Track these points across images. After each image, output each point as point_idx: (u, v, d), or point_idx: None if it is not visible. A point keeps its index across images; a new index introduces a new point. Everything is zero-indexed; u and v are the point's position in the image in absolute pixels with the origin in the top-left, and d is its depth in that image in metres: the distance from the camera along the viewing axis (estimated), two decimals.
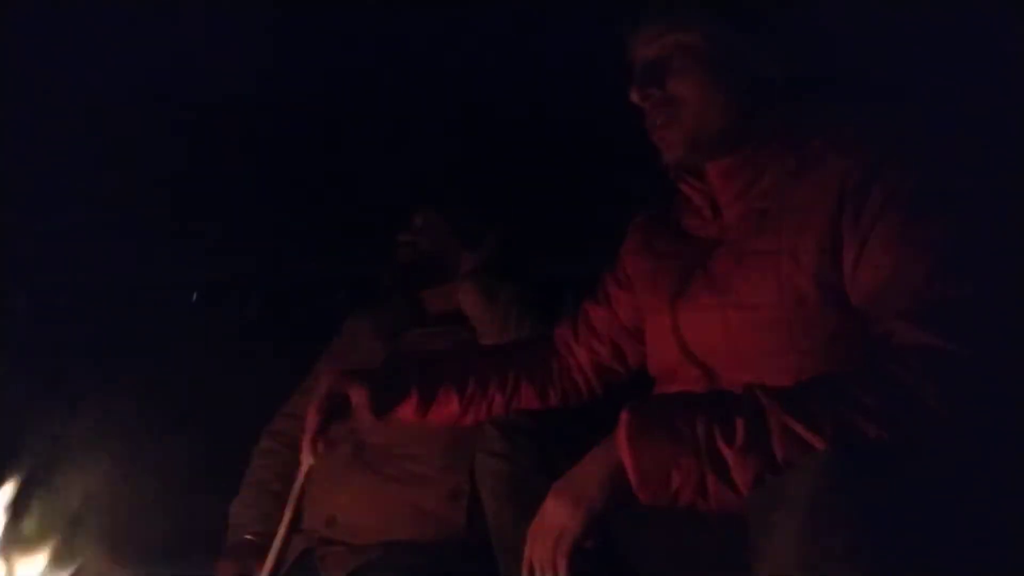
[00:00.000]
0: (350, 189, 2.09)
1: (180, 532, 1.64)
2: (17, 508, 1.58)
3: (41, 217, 1.84)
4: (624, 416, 0.86)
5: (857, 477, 0.72)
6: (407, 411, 1.19)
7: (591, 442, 0.91)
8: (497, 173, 1.86)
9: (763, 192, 1.03)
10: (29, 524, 1.55)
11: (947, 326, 0.82)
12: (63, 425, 1.71)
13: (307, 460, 1.12)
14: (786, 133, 1.03)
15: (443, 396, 1.20)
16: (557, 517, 0.90)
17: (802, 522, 0.71)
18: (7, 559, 1.44)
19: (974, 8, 1.29)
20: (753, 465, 0.79)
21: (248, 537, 1.49)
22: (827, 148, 0.99)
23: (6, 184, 1.77)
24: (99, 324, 1.86)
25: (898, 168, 0.93)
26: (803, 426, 0.78)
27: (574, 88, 1.88)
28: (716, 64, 1.03)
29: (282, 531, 1.12)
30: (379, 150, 2.08)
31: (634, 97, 1.05)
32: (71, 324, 1.86)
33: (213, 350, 1.96)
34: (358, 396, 1.13)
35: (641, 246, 1.23)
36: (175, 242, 1.96)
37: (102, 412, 1.77)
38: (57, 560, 1.50)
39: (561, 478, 0.93)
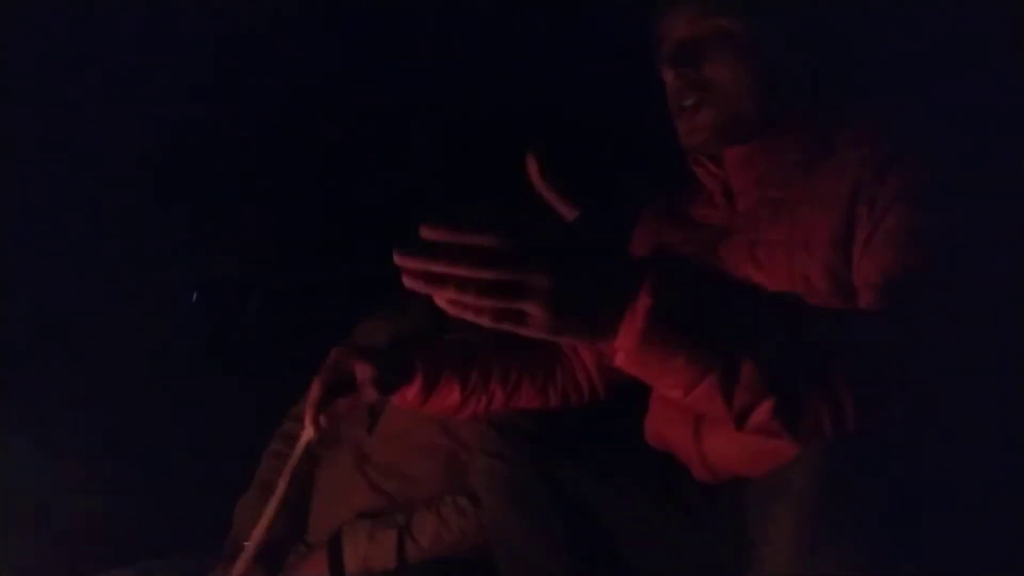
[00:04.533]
0: (352, 189, 2.09)
1: (179, 532, 1.64)
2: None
3: (41, 217, 1.84)
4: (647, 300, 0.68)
5: (859, 467, 0.71)
6: (409, 395, 1.18)
7: (587, 443, 0.90)
8: (496, 172, 1.85)
9: (779, 182, 1.04)
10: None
11: (953, 313, 0.82)
12: (61, 425, 1.71)
13: (307, 432, 1.11)
14: (803, 125, 1.03)
15: (445, 385, 1.19)
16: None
17: (802, 513, 0.70)
18: None
19: (982, 7, 1.28)
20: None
21: (246, 543, 1.49)
22: (842, 141, 1.00)
23: (6, 184, 1.77)
24: (98, 323, 1.86)
25: (910, 163, 0.93)
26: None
27: (575, 87, 1.87)
28: (751, 52, 1.03)
29: (275, 502, 1.11)
30: (380, 150, 2.07)
31: (667, 76, 1.05)
32: (70, 325, 1.85)
33: (213, 350, 1.96)
34: (364, 373, 1.12)
35: (647, 239, 1.22)
36: (174, 242, 1.96)
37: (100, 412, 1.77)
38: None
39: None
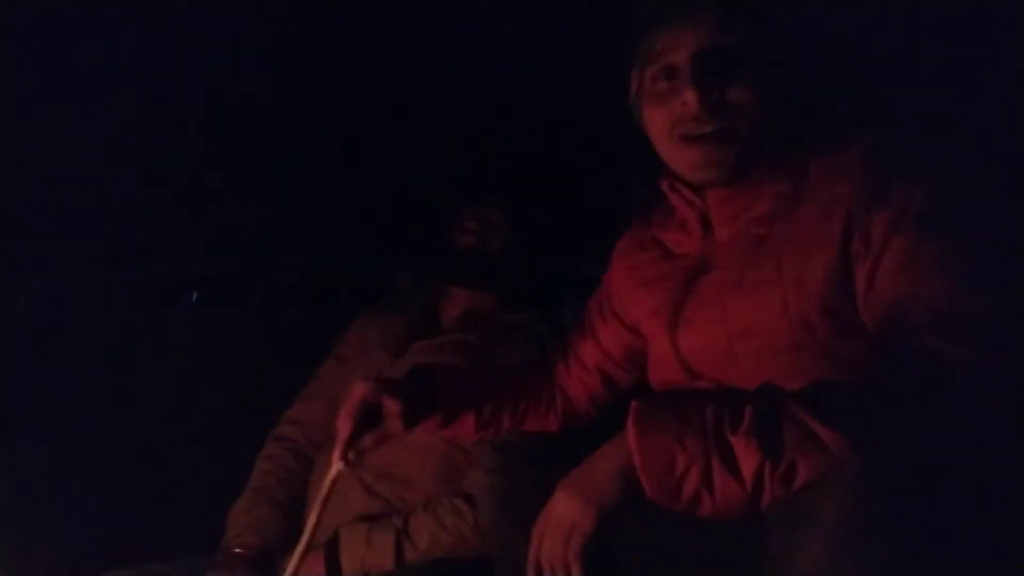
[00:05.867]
0: (351, 189, 2.08)
1: (177, 535, 1.64)
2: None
3: (41, 217, 1.83)
4: (633, 404, 0.83)
5: (887, 494, 0.70)
6: (430, 426, 1.21)
7: (581, 455, 0.90)
8: (497, 172, 1.85)
9: (759, 217, 1.00)
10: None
11: (970, 339, 0.80)
12: (59, 426, 1.71)
13: (336, 466, 1.11)
14: (782, 156, 1.00)
15: (463, 417, 1.22)
16: (568, 514, 0.87)
17: (829, 539, 0.69)
18: None
19: (973, 17, 1.26)
20: (757, 454, 0.74)
21: (237, 550, 1.48)
22: (825, 174, 0.96)
23: (6, 184, 1.77)
24: (99, 324, 1.86)
25: (901, 190, 0.91)
26: (818, 422, 0.74)
27: (574, 86, 1.86)
28: (767, 72, 0.96)
29: (306, 535, 1.12)
30: (381, 149, 2.07)
31: (688, 98, 0.94)
32: (71, 324, 1.85)
33: (213, 350, 1.96)
34: (391, 407, 1.13)
35: (626, 275, 1.21)
36: (174, 242, 1.96)
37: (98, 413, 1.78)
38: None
39: (569, 474, 0.90)
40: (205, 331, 1.99)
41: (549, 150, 1.88)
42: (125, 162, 1.89)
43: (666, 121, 0.99)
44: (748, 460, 0.75)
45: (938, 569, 0.68)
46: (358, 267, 2.08)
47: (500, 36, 1.80)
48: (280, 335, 2.00)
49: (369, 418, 1.13)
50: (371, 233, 2.05)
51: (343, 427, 1.11)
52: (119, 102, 1.85)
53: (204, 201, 1.95)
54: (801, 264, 0.94)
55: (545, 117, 1.89)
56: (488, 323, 1.59)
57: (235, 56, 1.83)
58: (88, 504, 1.69)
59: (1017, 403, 0.78)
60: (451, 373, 1.25)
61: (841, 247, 0.91)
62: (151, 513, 1.71)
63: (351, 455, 1.11)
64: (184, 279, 2.06)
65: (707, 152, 0.97)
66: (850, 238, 0.91)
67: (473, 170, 1.87)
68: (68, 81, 1.80)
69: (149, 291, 1.97)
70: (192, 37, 1.79)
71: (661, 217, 1.17)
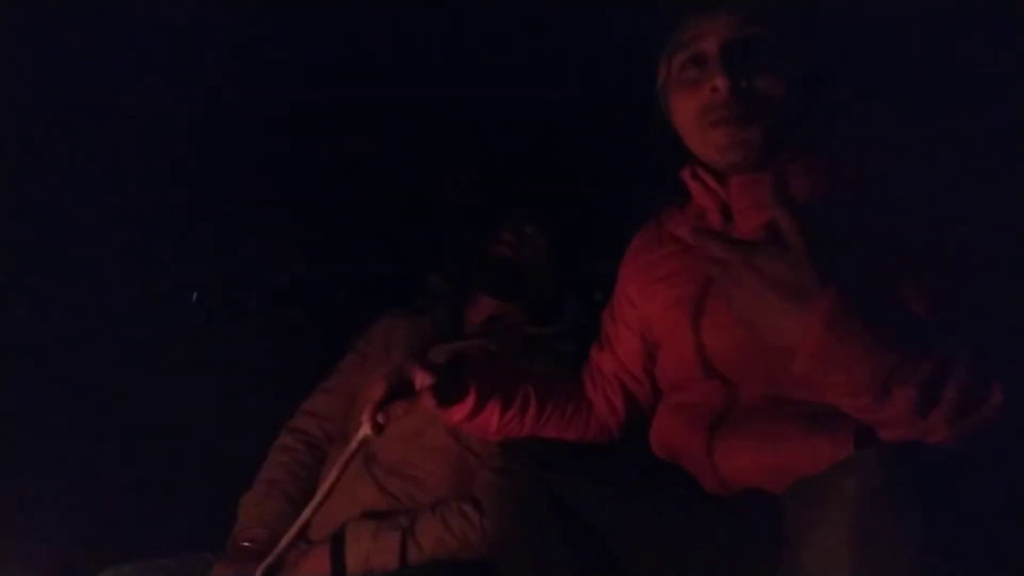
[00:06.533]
0: (352, 189, 2.09)
1: (180, 530, 1.64)
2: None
3: (41, 217, 1.83)
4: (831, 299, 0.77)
5: (910, 476, 0.70)
6: (457, 414, 1.22)
7: (586, 456, 0.90)
8: (498, 173, 1.85)
9: None
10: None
11: (1002, 335, 0.82)
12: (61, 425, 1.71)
13: (364, 429, 1.13)
14: (807, 147, 1.02)
15: (488, 412, 1.23)
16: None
17: (851, 520, 0.69)
18: None
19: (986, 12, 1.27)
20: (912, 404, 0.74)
21: (245, 544, 1.49)
22: (851, 166, 0.98)
23: (6, 184, 1.76)
24: (98, 323, 1.86)
25: (929, 184, 0.92)
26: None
27: (576, 87, 1.88)
28: (793, 63, 0.99)
29: (326, 486, 1.14)
30: (383, 149, 2.08)
31: (719, 84, 0.98)
32: (70, 324, 1.85)
33: (213, 350, 1.96)
34: (424, 380, 1.15)
35: (640, 273, 1.21)
36: (174, 242, 1.96)
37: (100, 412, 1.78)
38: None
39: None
40: (205, 331, 2.00)
41: (586, 168, 1.89)
42: (125, 162, 1.89)
43: (695, 107, 1.02)
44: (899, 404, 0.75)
45: (963, 554, 0.68)
46: (358, 266, 2.09)
47: (506, 35, 1.81)
48: (279, 336, 2.00)
49: (405, 389, 1.15)
50: (371, 233, 2.05)
51: (376, 392, 1.13)
52: (119, 102, 1.85)
53: (206, 201, 1.96)
54: None
55: (584, 133, 1.89)
56: (511, 332, 1.60)
57: (238, 56, 1.84)
58: (91, 500, 1.69)
59: None
60: (487, 366, 1.26)
61: (865, 240, 0.93)
62: (155, 508, 1.71)
63: (380, 418, 1.12)
64: (184, 279, 2.06)
65: (735, 132, 1.00)
66: (875, 232, 0.92)
67: (516, 183, 1.87)
68: (68, 80, 1.81)
69: (149, 291, 1.96)
70: (195, 36, 1.80)
71: (674, 213, 1.18)
